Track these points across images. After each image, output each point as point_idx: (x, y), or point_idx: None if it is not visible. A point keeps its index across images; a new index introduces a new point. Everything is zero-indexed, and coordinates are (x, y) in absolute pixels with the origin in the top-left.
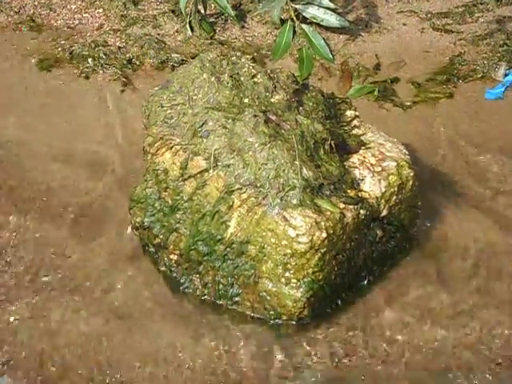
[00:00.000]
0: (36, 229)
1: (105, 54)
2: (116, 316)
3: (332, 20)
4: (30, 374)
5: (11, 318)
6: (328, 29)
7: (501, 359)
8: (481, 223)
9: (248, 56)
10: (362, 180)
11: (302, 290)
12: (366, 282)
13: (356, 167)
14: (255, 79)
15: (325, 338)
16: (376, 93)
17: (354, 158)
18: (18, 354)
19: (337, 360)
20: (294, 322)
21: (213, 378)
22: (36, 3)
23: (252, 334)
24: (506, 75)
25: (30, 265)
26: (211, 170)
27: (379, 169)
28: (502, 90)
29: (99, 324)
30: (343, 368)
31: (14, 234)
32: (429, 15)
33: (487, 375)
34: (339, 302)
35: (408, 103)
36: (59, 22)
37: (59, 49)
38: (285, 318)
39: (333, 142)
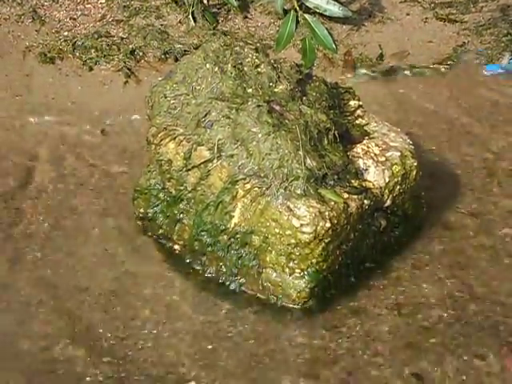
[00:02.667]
0: None
1: (108, 45)
2: None
3: (335, 10)
4: None
5: None
6: (331, 19)
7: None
8: (488, 211)
9: (251, 46)
10: (366, 170)
11: (305, 279)
12: (369, 272)
13: (360, 157)
14: (259, 69)
15: (327, 324)
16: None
17: (358, 148)
18: None
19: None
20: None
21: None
22: None
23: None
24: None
25: None
26: (215, 161)
27: (383, 159)
28: (499, 69)
29: None
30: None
31: None
32: (432, 5)
33: None
34: (343, 291)
35: (410, 93)
36: (62, 13)
37: (62, 40)
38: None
39: (336, 131)
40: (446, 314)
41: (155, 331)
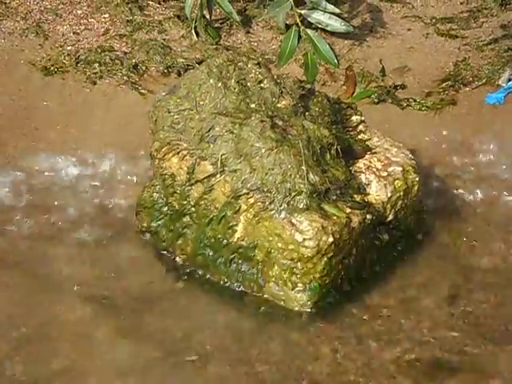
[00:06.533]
0: None
1: (111, 60)
2: None
3: (337, 25)
4: None
5: None
6: (333, 34)
7: None
8: (486, 228)
9: (254, 61)
10: (368, 185)
11: (308, 293)
12: (372, 286)
13: (362, 172)
14: (262, 84)
15: (328, 331)
16: (373, 95)
17: (360, 163)
18: None
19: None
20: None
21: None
22: (42, 9)
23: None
24: (509, 80)
25: None
26: (218, 175)
27: (385, 174)
28: (504, 94)
29: None
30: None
31: None
32: (433, 20)
33: None
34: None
35: (411, 108)
36: (65, 27)
37: (65, 54)
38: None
39: (339, 147)
40: (451, 330)
41: None
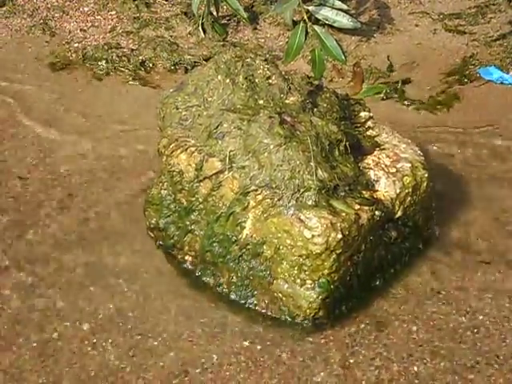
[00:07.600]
0: None
1: (118, 57)
2: None
3: (344, 21)
4: None
5: None
6: (340, 30)
7: None
8: (494, 224)
9: (262, 57)
10: (377, 181)
11: (317, 290)
12: (380, 282)
13: (371, 168)
14: (270, 81)
15: (338, 338)
16: (383, 92)
17: (369, 159)
18: None
19: (350, 361)
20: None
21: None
22: (49, 6)
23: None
24: None
25: None
26: (226, 172)
27: (394, 170)
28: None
29: None
30: (356, 369)
31: None
32: (441, 16)
33: None
34: (353, 303)
35: (419, 104)
36: (72, 24)
37: (72, 51)
38: (300, 319)
39: (347, 143)
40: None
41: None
